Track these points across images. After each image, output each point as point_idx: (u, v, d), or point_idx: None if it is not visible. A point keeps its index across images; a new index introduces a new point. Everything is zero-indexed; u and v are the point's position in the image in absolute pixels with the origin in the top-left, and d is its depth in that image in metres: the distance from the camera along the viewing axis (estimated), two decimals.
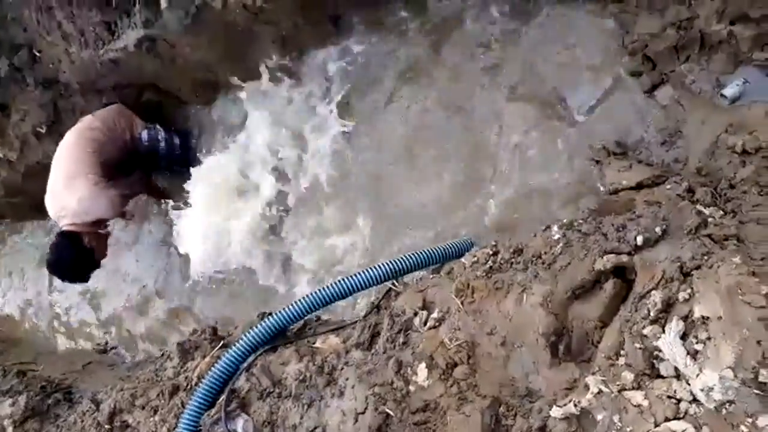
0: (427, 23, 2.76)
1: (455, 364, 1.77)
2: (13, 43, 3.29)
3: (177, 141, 3.46)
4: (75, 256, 3.19)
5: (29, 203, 4.31)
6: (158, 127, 3.42)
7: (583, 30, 2.34)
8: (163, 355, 2.81)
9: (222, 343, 2.60)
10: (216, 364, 2.23)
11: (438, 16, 2.75)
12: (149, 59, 3.08)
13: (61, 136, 3.62)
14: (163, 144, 3.39)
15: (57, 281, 4.43)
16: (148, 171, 3.64)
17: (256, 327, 2.27)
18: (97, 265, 3.38)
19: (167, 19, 2.82)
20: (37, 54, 3.33)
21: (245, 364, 2.22)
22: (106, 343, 4.03)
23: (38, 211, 4.43)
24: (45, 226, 4.58)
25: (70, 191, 3.11)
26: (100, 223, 3.26)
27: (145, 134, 3.36)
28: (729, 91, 1.99)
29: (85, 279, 3.42)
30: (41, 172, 3.85)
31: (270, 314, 2.34)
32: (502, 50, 2.56)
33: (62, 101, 3.52)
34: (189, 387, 2.40)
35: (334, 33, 2.90)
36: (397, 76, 2.82)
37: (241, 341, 2.25)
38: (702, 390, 1.22)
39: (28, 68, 3.38)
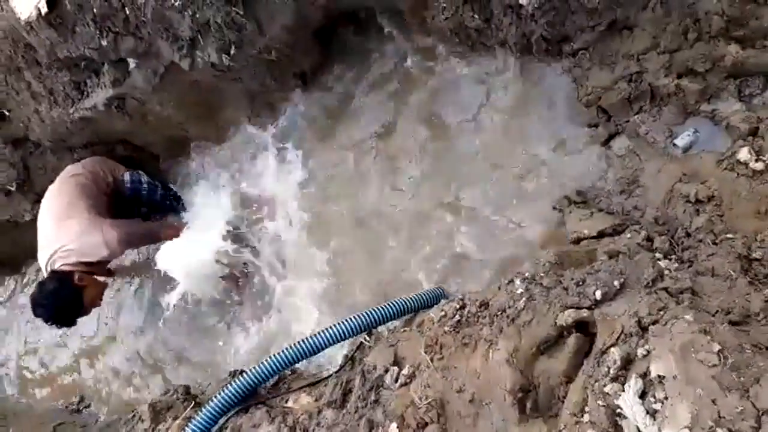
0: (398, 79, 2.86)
1: (426, 424, 1.76)
2: None
3: (160, 187, 3.43)
4: (61, 294, 2.99)
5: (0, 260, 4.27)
6: (141, 172, 3.41)
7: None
8: (134, 416, 2.74)
9: (194, 402, 2.57)
10: (186, 428, 2.19)
11: (408, 72, 2.83)
12: (119, 117, 3.10)
13: (33, 193, 3.64)
14: (145, 186, 3.36)
15: (29, 337, 4.36)
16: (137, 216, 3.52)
17: (228, 387, 2.24)
18: (87, 311, 3.18)
19: (136, 78, 2.86)
20: (7, 113, 3.33)
21: (216, 427, 2.18)
22: (80, 401, 3.92)
23: (9, 267, 4.41)
24: (20, 281, 4.52)
25: (62, 231, 3.00)
26: (97, 265, 3.13)
27: (127, 176, 3.33)
28: (681, 141, 2.06)
29: (70, 322, 3.17)
30: (12, 229, 3.84)
31: (242, 372, 2.32)
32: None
33: (33, 159, 3.51)
34: None
35: (301, 87, 2.96)
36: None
37: (211, 403, 2.22)
38: None
39: None
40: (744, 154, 1.87)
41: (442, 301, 2.17)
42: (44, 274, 3.09)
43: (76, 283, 2.99)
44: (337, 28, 2.84)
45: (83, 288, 3.03)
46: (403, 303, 2.27)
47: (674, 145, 2.07)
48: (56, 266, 3.02)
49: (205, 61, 2.68)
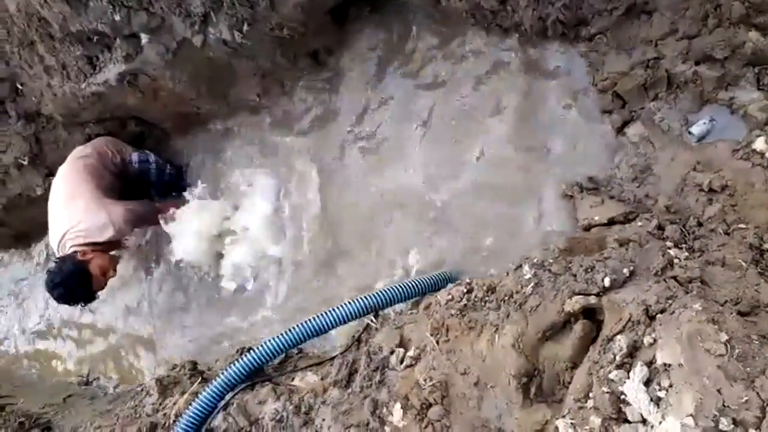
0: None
1: (430, 405, 1.78)
2: None
3: (168, 167, 3.44)
4: (65, 273, 3.01)
5: (10, 234, 4.32)
6: (148, 152, 3.42)
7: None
8: (142, 390, 2.78)
9: (201, 378, 2.60)
10: (193, 403, 2.22)
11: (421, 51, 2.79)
12: (131, 93, 3.10)
13: (45, 167, 3.66)
14: (154, 166, 3.37)
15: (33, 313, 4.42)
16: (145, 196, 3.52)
17: (234, 364, 2.26)
18: (100, 283, 3.17)
19: (148, 54, 2.85)
20: (20, 87, 3.34)
21: (222, 403, 2.21)
22: (88, 374, 3.98)
23: (19, 241, 4.46)
24: (29, 253, 4.57)
25: (69, 213, 3.05)
26: (107, 245, 3.13)
27: (135, 156, 3.34)
28: (696, 129, 2.03)
29: (88, 297, 3.18)
30: (23, 203, 3.87)
31: (250, 350, 2.34)
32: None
33: (45, 133, 3.53)
34: (167, 425, 2.38)
35: (314, 67, 2.95)
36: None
37: (218, 379, 2.24)
38: None
39: (9, 101, 3.39)
40: (760, 143, 1.84)
41: (449, 284, 2.18)
42: (56, 254, 3.13)
43: (79, 259, 3.02)
44: (352, 6, 2.80)
45: (87, 262, 3.04)
46: (411, 286, 2.27)
47: (689, 133, 2.04)
48: (67, 248, 3.05)
49: (218, 38, 2.67)
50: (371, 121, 2.86)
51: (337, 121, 2.96)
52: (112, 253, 3.26)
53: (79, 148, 3.29)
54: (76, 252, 3.04)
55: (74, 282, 3.04)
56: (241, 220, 3.20)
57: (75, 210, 3.04)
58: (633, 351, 1.41)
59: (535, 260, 1.82)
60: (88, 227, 3.01)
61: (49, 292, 3.07)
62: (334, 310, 2.23)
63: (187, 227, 3.17)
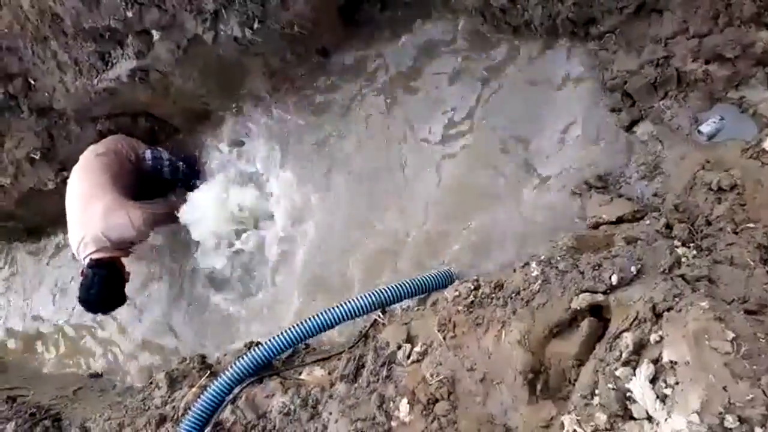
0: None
1: (436, 400, 1.79)
2: (8, 72, 3.32)
3: (181, 164, 3.45)
4: (107, 284, 3.06)
5: (22, 228, 4.36)
6: (161, 149, 3.43)
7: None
8: (151, 383, 2.81)
9: (210, 371, 2.62)
10: (202, 396, 2.24)
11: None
12: (142, 89, 3.13)
13: (57, 162, 3.70)
14: (167, 163, 3.37)
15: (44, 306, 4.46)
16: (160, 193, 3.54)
17: (243, 358, 2.28)
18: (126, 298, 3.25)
19: (159, 50, 2.87)
20: (32, 82, 3.37)
21: (231, 396, 2.23)
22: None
23: (30, 235, 4.51)
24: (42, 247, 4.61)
25: (88, 212, 3.04)
26: (125, 245, 3.15)
27: (148, 153, 3.35)
28: (706, 128, 2.02)
29: (117, 306, 3.27)
30: (34, 197, 3.91)
31: (258, 344, 2.36)
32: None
33: (57, 128, 3.55)
34: (176, 417, 2.41)
35: (323, 65, 2.96)
36: None
37: (227, 372, 2.26)
38: None
39: (22, 96, 3.42)
40: None
41: (456, 281, 2.18)
42: (77, 257, 3.13)
43: (118, 268, 3.08)
44: (362, 3, 2.81)
45: (114, 263, 3.09)
46: (415, 283, 2.28)
47: (699, 131, 2.04)
48: (88, 251, 3.03)
49: (228, 35, 2.69)
50: None
51: None
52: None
53: (93, 146, 3.29)
54: (100, 258, 3.05)
55: (116, 298, 3.12)
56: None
57: (94, 212, 3.02)
58: (639, 348, 1.42)
59: (542, 257, 1.83)
60: (107, 228, 2.99)
61: (87, 296, 3.05)
62: (340, 306, 2.25)
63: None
